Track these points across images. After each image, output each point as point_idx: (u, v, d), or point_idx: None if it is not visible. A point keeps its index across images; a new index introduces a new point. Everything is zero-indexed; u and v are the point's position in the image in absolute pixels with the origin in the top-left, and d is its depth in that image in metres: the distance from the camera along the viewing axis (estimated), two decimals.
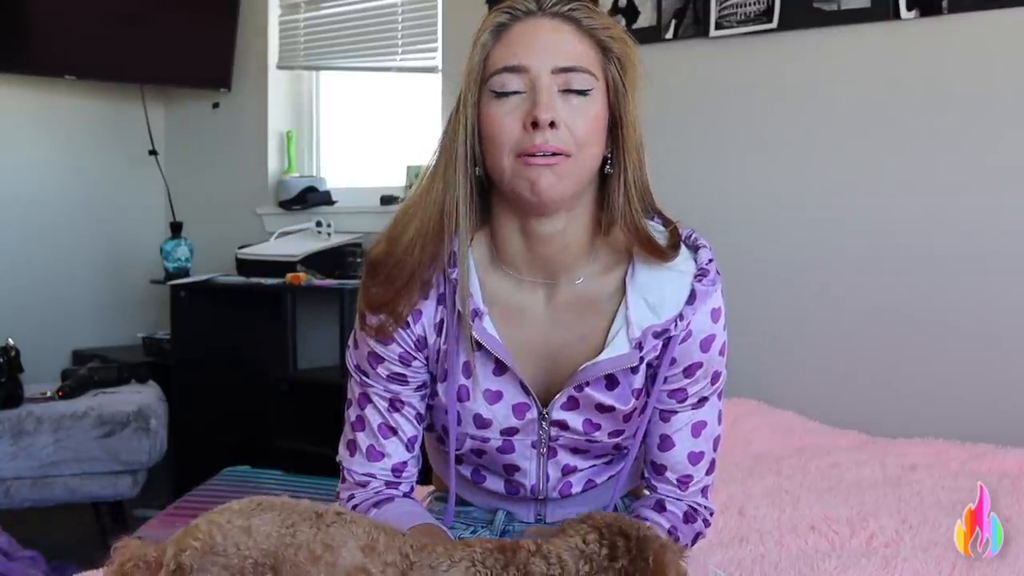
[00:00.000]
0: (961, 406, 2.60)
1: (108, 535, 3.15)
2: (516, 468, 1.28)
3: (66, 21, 3.90)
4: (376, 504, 1.28)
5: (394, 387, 1.27)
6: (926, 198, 2.68)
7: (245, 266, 3.76)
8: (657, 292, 1.21)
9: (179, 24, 4.06)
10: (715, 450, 1.30)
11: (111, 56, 4.01)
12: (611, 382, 1.22)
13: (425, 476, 1.41)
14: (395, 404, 1.27)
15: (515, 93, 1.15)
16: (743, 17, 2.93)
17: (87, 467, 3.02)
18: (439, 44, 3.66)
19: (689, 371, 1.24)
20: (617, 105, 1.19)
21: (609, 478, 1.32)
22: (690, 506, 1.30)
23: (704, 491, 1.31)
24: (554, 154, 1.14)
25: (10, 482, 2.94)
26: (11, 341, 3.11)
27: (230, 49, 4.14)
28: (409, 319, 1.23)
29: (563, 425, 1.25)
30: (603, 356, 1.20)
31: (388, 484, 1.30)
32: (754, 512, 1.82)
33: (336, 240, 3.66)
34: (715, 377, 1.27)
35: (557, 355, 1.24)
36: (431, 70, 3.71)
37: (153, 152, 4.27)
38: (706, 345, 1.23)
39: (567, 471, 1.29)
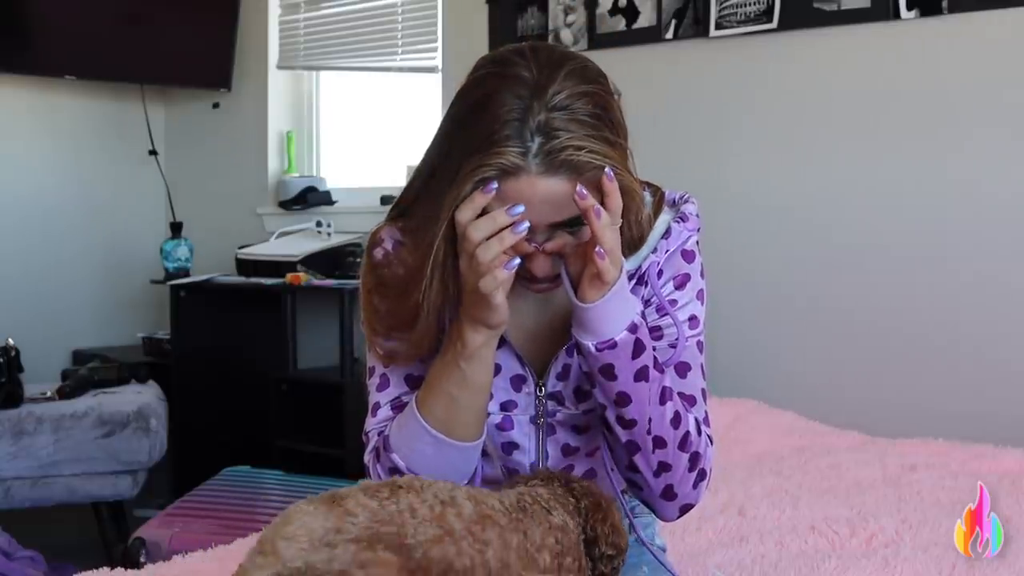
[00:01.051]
0: (961, 406, 2.60)
1: (108, 535, 3.15)
2: (515, 446, 1.28)
3: (66, 21, 3.90)
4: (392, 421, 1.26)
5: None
6: (926, 198, 2.68)
7: (245, 266, 3.76)
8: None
9: (179, 24, 4.07)
10: (705, 400, 1.27)
11: (111, 56, 4.01)
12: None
13: None
14: (426, 359, 1.25)
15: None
16: (743, 17, 2.93)
17: (87, 467, 3.02)
18: (439, 44, 3.66)
19: (661, 310, 1.23)
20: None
21: (611, 470, 1.31)
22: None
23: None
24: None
25: (10, 482, 2.94)
26: (11, 341, 3.11)
27: (230, 49, 4.14)
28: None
29: (559, 400, 1.26)
30: None
31: None
32: (754, 512, 1.82)
33: (336, 240, 3.66)
34: (692, 320, 1.25)
35: (548, 328, 1.26)
36: (431, 70, 3.71)
37: (153, 152, 4.27)
38: (681, 283, 1.25)
39: (567, 451, 1.29)
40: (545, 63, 1.11)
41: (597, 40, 3.19)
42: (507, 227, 1.09)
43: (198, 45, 4.13)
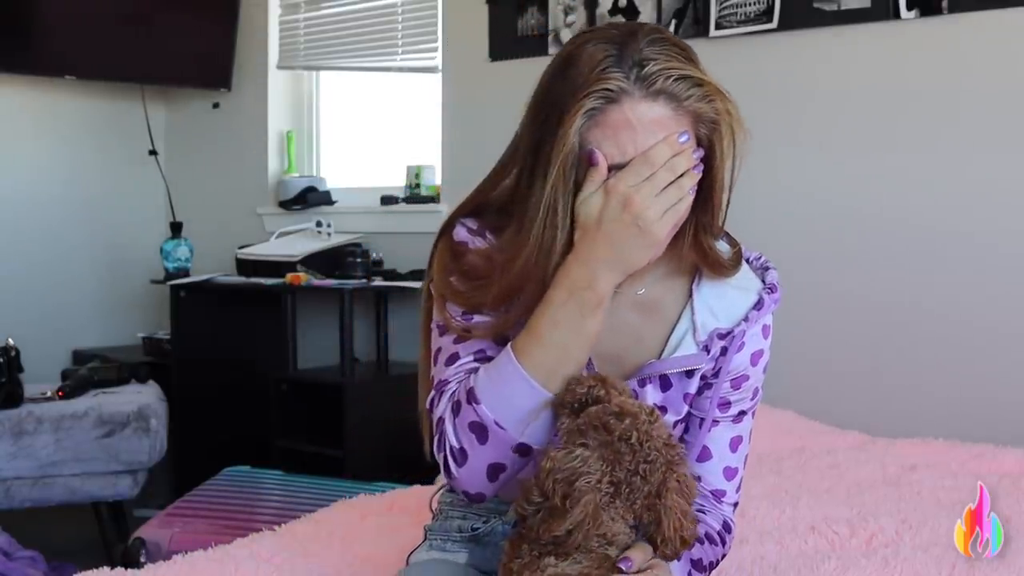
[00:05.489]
0: (961, 406, 2.61)
1: (108, 535, 3.15)
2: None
3: (66, 21, 3.90)
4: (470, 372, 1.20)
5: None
6: (925, 197, 2.68)
7: (245, 266, 3.76)
8: (722, 303, 1.25)
9: (179, 24, 4.06)
10: (744, 468, 1.32)
11: (111, 56, 4.01)
12: (665, 384, 1.24)
13: None
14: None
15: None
16: (743, 17, 2.93)
17: (87, 467, 3.02)
18: (439, 44, 3.66)
19: (736, 382, 1.27)
20: (708, 165, 1.18)
21: None
22: (726, 518, 1.31)
23: (734, 508, 1.33)
24: None
25: (10, 482, 2.94)
26: (11, 341, 3.11)
27: (230, 49, 4.14)
28: None
29: None
30: (671, 355, 1.22)
31: None
32: (754, 512, 1.82)
33: (336, 240, 3.66)
34: (755, 393, 1.30)
35: (613, 357, 1.24)
36: (431, 70, 3.71)
37: (153, 152, 4.27)
38: (755, 359, 1.27)
39: None
40: (627, 24, 1.19)
41: None
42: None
43: (198, 45, 4.12)
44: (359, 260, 3.55)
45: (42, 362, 3.75)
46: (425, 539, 1.36)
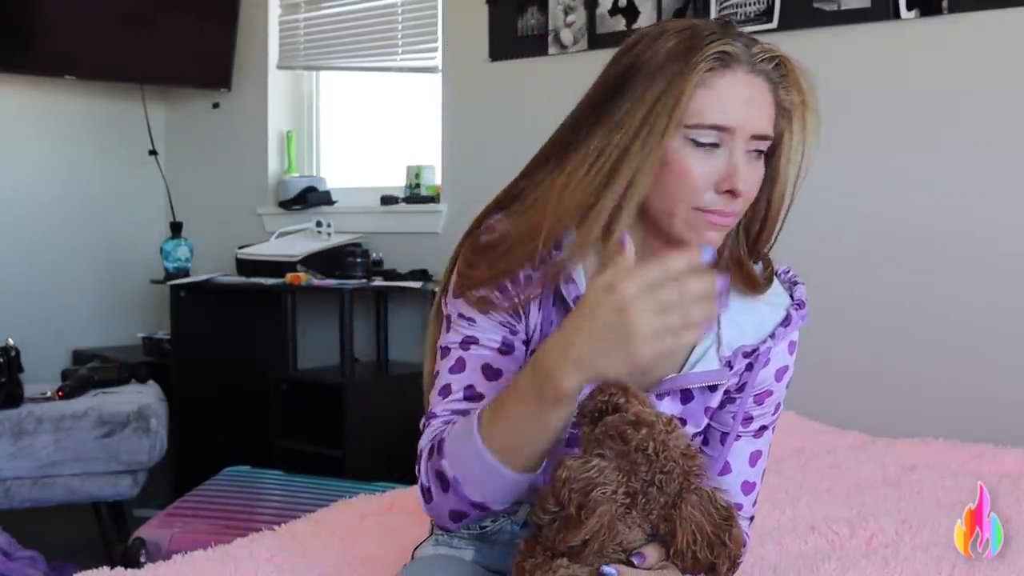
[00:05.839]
0: (961, 406, 2.61)
1: (108, 535, 3.15)
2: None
3: (67, 21, 3.90)
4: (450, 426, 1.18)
5: (505, 332, 1.21)
6: (925, 197, 2.68)
7: (245, 266, 3.76)
8: (749, 318, 1.23)
9: (179, 24, 4.06)
10: (761, 483, 1.32)
11: (111, 56, 4.01)
12: (686, 397, 1.23)
13: None
14: (503, 349, 1.21)
15: (713, 146, 1.13)
16: (743, 17, 2.93)
17: (87, 467, 3.02)
18: (439, 44, 3.66)
19: (759, 398, 1.26)
20: (774, 162, 1.19)
21: None
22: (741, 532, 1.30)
23: (749, 522, 1.32)
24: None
25: (10, 482, 2.94)
26: (11, 341, 3.11)
27: (230, 49, 4.14)
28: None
29: None
30: (693, 369, 1.21)
31: None
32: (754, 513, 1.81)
33: (336, 240, 3.66)
34: (776, 408, 1.30)
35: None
36: (431, 70, 3.71)
37: (153, 152, 4.27)
38: (780, 375, 1.27)
39: None
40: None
41: (597, 40, 3.19)
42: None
43: (198, 45, 4.13)
44: (359, 260, 3.55)
45: (42, 362, 3.75)
46: (431, 534, 1.36)
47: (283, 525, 1.81)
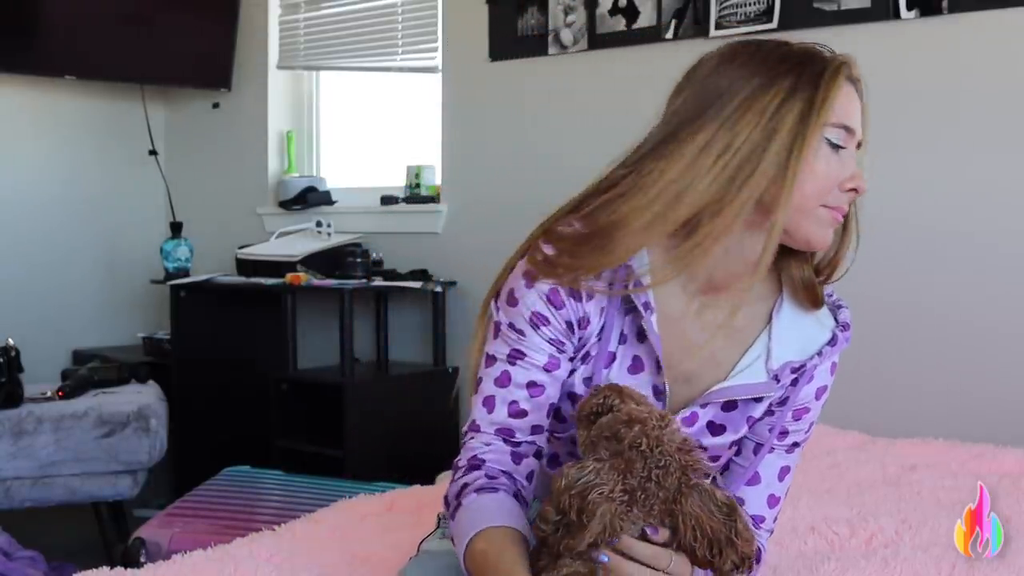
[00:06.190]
0: (961, 406, 2.60)
1: (108, 535, 3.15)
2: None
3: (67, 21, 3.90)
4: (478, 490, 1.19)
5: (553, 350, 1.22)
6: (925, 197, 2.68)
7: (245, 266, 3.76)
8: (799, 333, 1.26)
9: (179, 24, 4.06)
10: (785, 499, 1.33)
11: (111, 56, 4.01)
12: (729, 405, 1.25)
13: None
14: (548, 367, 1.22)
15: (839, 147, 1.17)
16: (743, 17, 2.93)
17: (87, 467, 3.02)
18: (439, 44, 3.66)
19: (797, 414, 1.28)
20: None
21: None
22: (759, 544, 1.30)
23: (769, 535, 1.33)
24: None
25: (10, 482, 2.94)
26: (11, 341, 3.11)
27: (230, 49, 4.14)
28: (583, 294, 1.20)
29: None
30: (739, 381, 1.23)
31: (515, 449, 1.22)
32: None
33: (336, 240, 3.66)
34: (810, 426, 1.31)
35: (689, 369, 1.24)
36: (431, 70, 3.71)
37: (153, 152, 4.27)
38: (819, 393, 1.29)
39: None
40: None
41: (597, 40, 3.19)
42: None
43: (198, 45, 4.13)
44: (359, 260, 3.55)
45: (42, 362, 3.75)
46: (438, 526, 1.37)
47: (283, 525, 1.81)
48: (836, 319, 1.29)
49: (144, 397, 3.20)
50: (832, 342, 1.27)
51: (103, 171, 4.30)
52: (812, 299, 1.26)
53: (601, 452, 1.05)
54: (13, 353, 3.06)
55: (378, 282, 3.54)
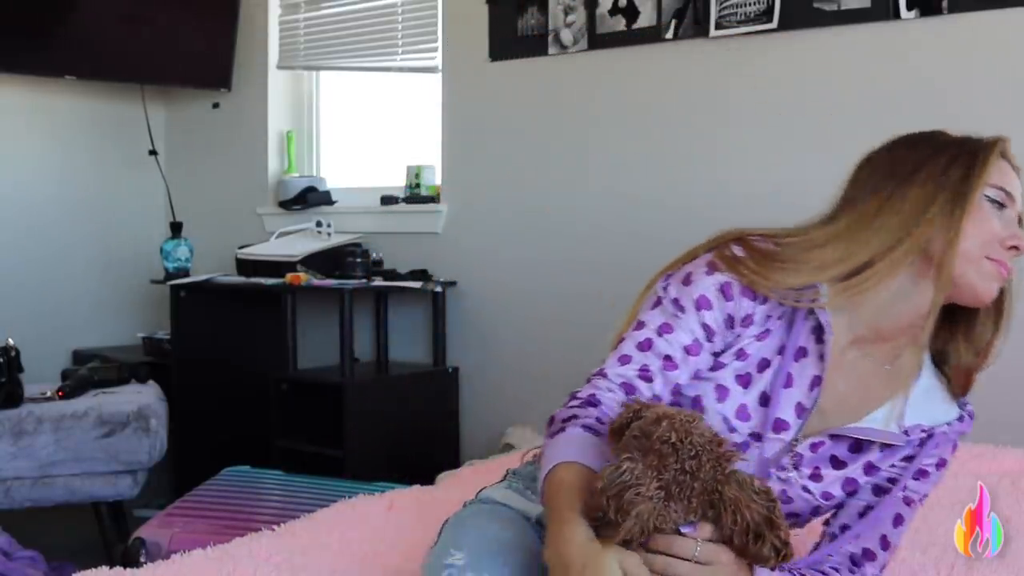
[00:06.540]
0: None
1: (108, 535, 3.15)
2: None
3: (66, 21, 3.90)
4: (584, 426, 1.21)
5: (701, 335, 1.28)
6: None
7: (245, 266, 3.76)
8: (928, 407, 1.34)
9: (179, 24, 4.07)
10: (894, 553, 1.37)
11: (111, 56, 4.01)
12: (855, 447, 1.32)
13: None
14: (691, 349, 1.27)
15: (1001, 206, 1.31)
16: (743, 17, 2.93)
17: (87, 467, 3.02)
18: (439, 44, 3.66)
19: (917, 475, 1.34)
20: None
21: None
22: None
23: (880, 570, 1.36)
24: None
25: (10, 482, 2.94)
26: (11, 341, 3.11)
27: (230, 49, 4.14)
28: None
29: (797, 464, 1.30)
30: (875, 425, 1.31)
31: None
32: None
33: (336, 240, 3.66)
34: (924, 497, 1.37)
35: (825, 405, 1.30)
36: (431, 70, 3.71)
37: (153, 152, 4.27)
38: (939, 465, 1.37)
39: None
40: None
41: (597, 40, 3.19)
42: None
43: (198, 45, 4.13)
44: (359, 260, 3.55)
45: (42, 362, 3.75)
46: (505, 478, 1.40)
47: (283, 525, 1.81)
48: (961, 406, 1.39)
49: (144, 397, 3.20)
50: (960, 419, 1.36)
51: (103, 171, 4.30)
52: (964, 384, 1.38)
53: (633, 452, 1.07)
54: (13, 353, 3.06)
55: (378, 282, 3.54)
